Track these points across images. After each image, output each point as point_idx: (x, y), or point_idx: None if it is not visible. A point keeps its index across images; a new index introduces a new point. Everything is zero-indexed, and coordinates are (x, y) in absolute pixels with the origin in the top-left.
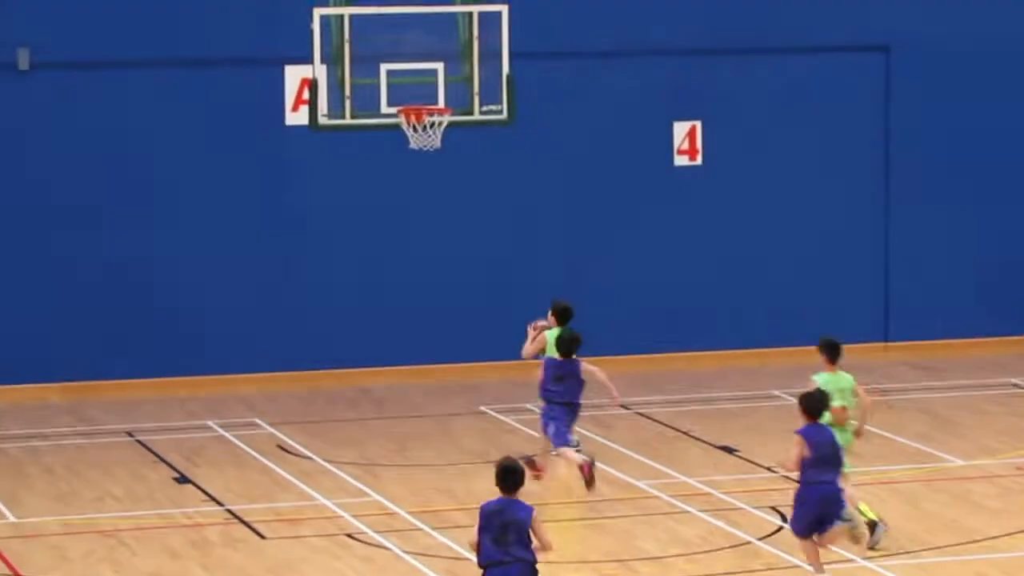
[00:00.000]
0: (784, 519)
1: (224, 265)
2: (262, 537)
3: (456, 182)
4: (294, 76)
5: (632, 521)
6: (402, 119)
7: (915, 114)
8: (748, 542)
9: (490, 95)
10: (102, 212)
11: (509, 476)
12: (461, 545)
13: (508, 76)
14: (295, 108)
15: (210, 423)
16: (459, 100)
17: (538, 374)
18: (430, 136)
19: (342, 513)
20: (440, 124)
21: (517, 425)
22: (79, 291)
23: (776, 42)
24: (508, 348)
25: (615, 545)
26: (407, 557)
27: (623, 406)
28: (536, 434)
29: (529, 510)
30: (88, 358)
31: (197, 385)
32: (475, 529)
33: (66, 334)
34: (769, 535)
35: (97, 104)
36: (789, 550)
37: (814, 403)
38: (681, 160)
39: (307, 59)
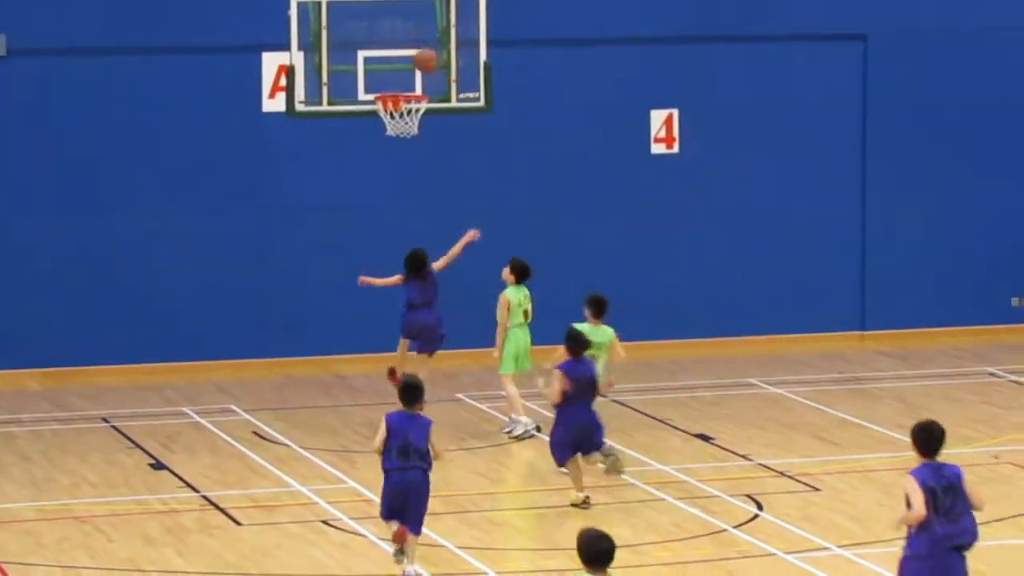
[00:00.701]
0: (760, 507)
1: (200, 251)
2: (238, 523)
3: (433, 169)
4: (271, 63)
5: (608, 509)
6: (379, 106)
7: (892, 103)
8: (724, 530)
9: (467, 82)
10: (79, 198)
11: (412, 391)
12: (436, 532)
13: (485, 63)
14: (272, 95)
15: (186, 409)
16: (436, 87)
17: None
18: (407, 123)
19: (318, 500)
20: (417, 111)
21: (494, 413)
22: (56, 277)
23: (754, 30)
24: (485, 335)
25: None
26: (382, 544)
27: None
28: (504, 417)
29: (428, 423)
30: (65, 344)
31: (173, 371)
32: (380, 436)
33: (44, 320)
34: (744, 523)
35: (75, 91)
36: (765, 538)
37: (575, 341)
38: (658, 148)
39: (285, 46)
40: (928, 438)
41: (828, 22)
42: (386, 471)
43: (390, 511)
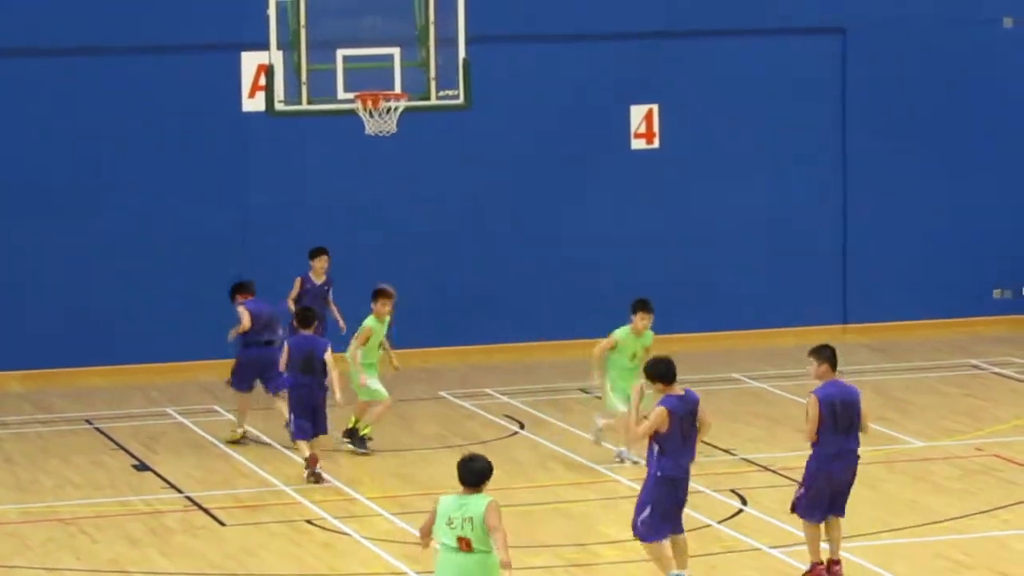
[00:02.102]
0: (744, 502)
1: (182, 251)
2: (221, 524)
3: (412, 167)
4: (251, 62)
5: (592, 505)
6: (358, 104)
7: (871, 96)
8: (707, 525)
9: (446, 80)
10: (59, 200)
11: (308, 316)
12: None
13: (464, 60)
14: (252, 94)
15: (169, 410)
16: (416, 85)
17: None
18: (386, 121)
19: (301, 499)
20: (396, 109)
21: (476, 410)
22: (36, 278)
23: (734, 24)
24: (467, 333)
25: (576, 529)
26: (366, 543)
27: (582, 390)
28: (494, 418)
29: (325, 344)
30: (47, 345)
31: (155, 372)
32: (284, 358)
33: (25, 321)
34: (728, 518)
35: (53, 92)
36: (749, 533)
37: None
38: (638, 144)
39: (264, 45)
40: (667, 370)
41: (807, 15)
42: (293, 387)
43: (301, 429)
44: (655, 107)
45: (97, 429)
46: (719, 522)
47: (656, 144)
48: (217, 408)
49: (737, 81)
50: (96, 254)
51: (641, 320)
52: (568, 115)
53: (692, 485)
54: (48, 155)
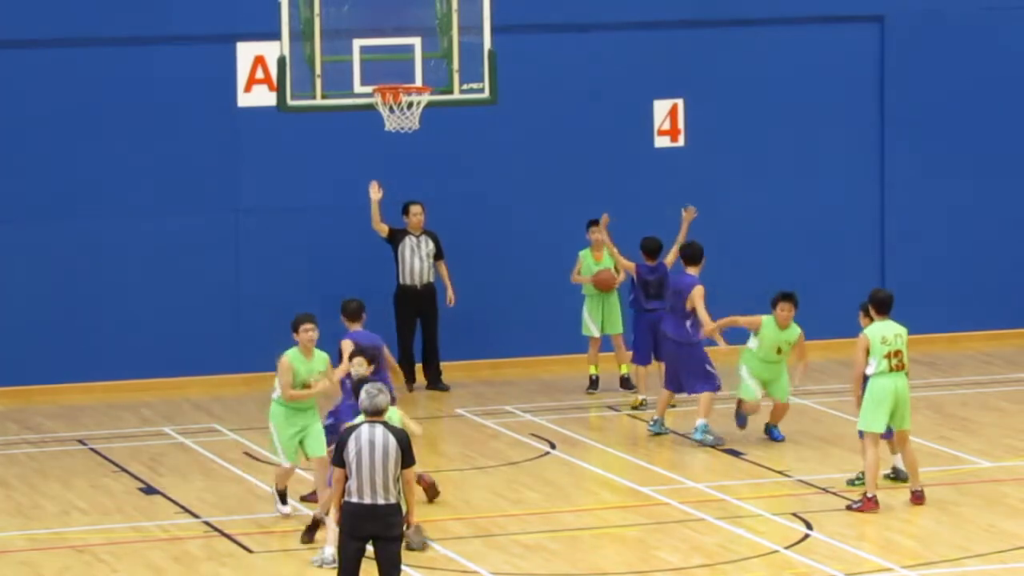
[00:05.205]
0: (809, 526)
1: (171, 258)
2: (248, 551)
3: (424, 164)
4: (247, 53)
5: (645, 530)
6: (377, 99)
7: (911, 89)
8: (775, 551)
9: (469, 72)
10: (38, 203)
11: (358, 306)
12: (465, 558)
13: (490, 51)
14: (248, 88)
15: (167, 430)
16: (438, 78)
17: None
18: (408, 117)
19: (331, 525)
20: (419, 104)
21: (500, 429)
22: (15, 288)
23: (763, 13)
24: (476, 345)
25: (632, 556)
26: (409, 570)
27: (610, 407)
28: (521, 438)
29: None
30: (28, 361)
31: (144, 389)
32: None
33: (3, 335)
34: (796, 543)
35: (33, 87)
36: (821, 559)
37: None
38: (662, 141)
39: (260, 35)
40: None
41: (842, 3)
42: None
43: None
44: (680, 102)
45: (92, 450)
46: (786, 547)
47: (681, 142)
48: (217, 427)
49: (767, 74)
50: (77, 260)
51: (782, 311)
52: (586, 111)
53: (749, 508)
54: (24, 156)
